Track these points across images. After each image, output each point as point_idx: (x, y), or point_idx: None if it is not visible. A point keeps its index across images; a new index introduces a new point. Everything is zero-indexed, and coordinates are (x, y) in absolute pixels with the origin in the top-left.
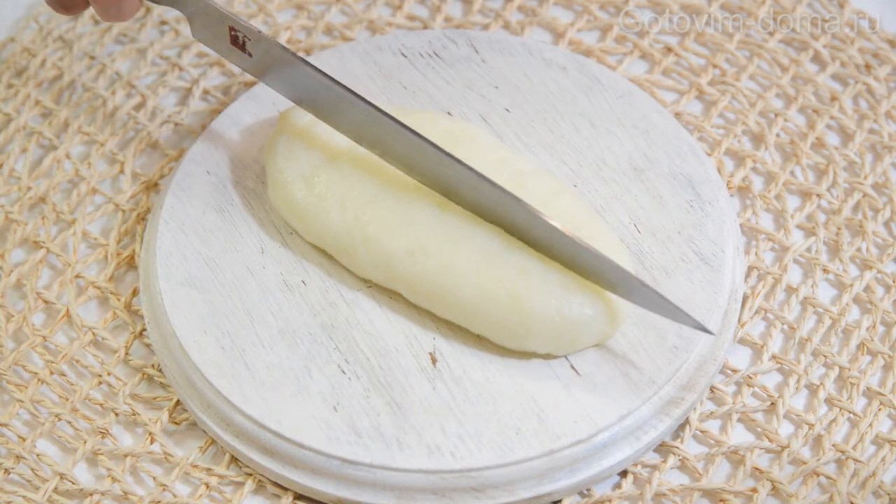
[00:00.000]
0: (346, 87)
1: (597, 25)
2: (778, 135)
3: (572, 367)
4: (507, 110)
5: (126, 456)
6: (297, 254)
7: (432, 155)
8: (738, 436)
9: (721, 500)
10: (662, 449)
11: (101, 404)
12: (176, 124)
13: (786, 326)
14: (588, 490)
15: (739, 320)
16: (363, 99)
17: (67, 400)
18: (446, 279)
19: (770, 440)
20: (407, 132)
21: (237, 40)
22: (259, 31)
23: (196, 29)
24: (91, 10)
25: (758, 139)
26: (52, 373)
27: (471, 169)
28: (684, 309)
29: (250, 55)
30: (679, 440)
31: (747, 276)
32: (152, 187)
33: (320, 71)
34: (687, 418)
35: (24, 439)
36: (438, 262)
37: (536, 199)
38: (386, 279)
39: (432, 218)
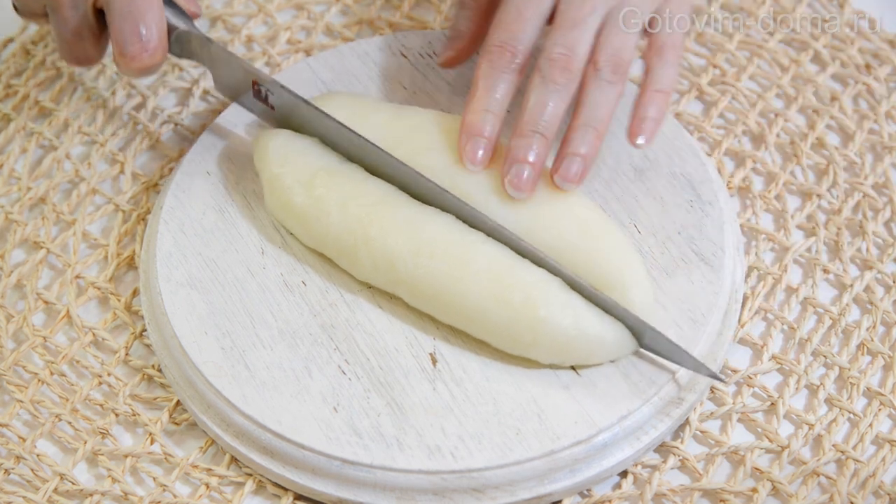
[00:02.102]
0: (373, 143)
1: None
2: (778, 135)
3: (573, 367)
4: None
5: (126, 456)
6: (298, 254)
7: (452, 201)
8: (738, 436)
9: (721, 501)
10: (662, 449)
11: (101, 405)
12: (176, 125)
13: (786, 327)
14: (588, 490)
15: (739, 320)
16: (386, 153)
17: (67, 400)
18: (450, 282)
19: (770, 440)
20: (430, 184)
21: (260, 94)
22: (281, 85)
23: (218, 80)
24: None
25: (758, 139)
26: (52, 373)
27: (493, 222)
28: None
29: (272, 108)
30: (679, 440)
31: (747, 276)
32: (152, 188)
33: (341, 124)
34: (687, 418)
35: (24, 440)
36: (443, 264)
37: (543, 201)
38: (386, 282)
39: (440, 222)
